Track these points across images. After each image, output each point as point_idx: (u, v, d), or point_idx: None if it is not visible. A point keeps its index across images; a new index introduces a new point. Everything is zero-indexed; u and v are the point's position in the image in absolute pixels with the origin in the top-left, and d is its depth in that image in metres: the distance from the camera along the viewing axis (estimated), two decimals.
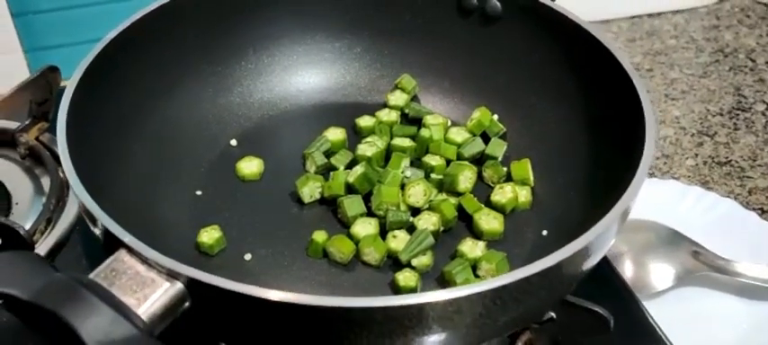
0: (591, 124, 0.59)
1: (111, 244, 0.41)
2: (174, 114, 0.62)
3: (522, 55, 0.63)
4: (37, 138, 0.69)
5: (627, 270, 0.63)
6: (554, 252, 0.42)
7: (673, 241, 0.65)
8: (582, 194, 0.57)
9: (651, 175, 0.75)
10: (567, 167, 0.59)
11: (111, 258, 0.40)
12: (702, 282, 0.63)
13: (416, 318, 0.39)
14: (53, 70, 0.68)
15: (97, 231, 0.43)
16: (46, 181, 0.68)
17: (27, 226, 0.61)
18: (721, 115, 0.84)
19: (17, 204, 0.66)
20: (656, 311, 0.58)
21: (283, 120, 0.66)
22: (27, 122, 0.69)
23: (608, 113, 0.56)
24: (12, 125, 0.70)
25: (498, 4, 0.63)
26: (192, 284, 0.39)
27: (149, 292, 0.39)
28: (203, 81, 0.64)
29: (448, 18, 0.65)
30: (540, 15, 0.61)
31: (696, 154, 0.79)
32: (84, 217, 0.46)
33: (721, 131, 0.82)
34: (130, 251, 0.40)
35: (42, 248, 0.61)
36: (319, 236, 0.55)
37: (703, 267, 0.63)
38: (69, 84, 0.52)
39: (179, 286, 0.39)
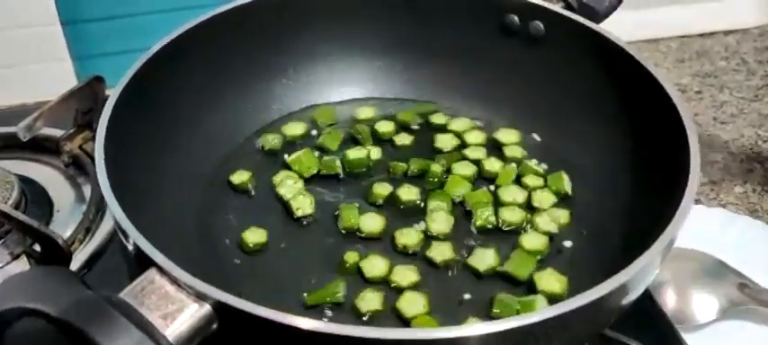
0: (634, 152, 0.58)
1: (142, 262, 0.42)
2: (213, 128, 0.62)
3: (564, 78, 0.62)
4: (80, 147, 0.71)
5: (669, 301, 0.62)
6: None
7: (718, 272, 0.63)
8: (623, 223, 0.55)
9: (697, 202, 0.73)
10: (608, 195, 0.58)
11: (142, 277, 0.40)
12: (748, 316, 0.61)
13: None
14: (99, 80, 0.69)
15: (130, 247, 0.44)
16: (87, 190, 0.69)
17: (67, 234, 0.62)
18: None
19: (58, 211, 0.68)
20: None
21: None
22: (71, 130, 0.70)
23: (652, 141, 0.55)
24: (57, 133, 0.71)
25: (541, 25, 0.62)
26: (219, 307, 0.39)
27: (177, 313, 0.39)
28: (244, 96, 0.65)
29: (490, 39, 0.65)
30: (583, 38, 0.60)
31: (745, 181, 0.77)
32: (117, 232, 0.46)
33: None
34: (161, 270, 0.40)
35: (80, 256, 0.62)
36: (351, 257, 0.55)
37: (749, 300, 0.61)
38: (110, 98, 0.53)
39: (207, 308, 0.39)
